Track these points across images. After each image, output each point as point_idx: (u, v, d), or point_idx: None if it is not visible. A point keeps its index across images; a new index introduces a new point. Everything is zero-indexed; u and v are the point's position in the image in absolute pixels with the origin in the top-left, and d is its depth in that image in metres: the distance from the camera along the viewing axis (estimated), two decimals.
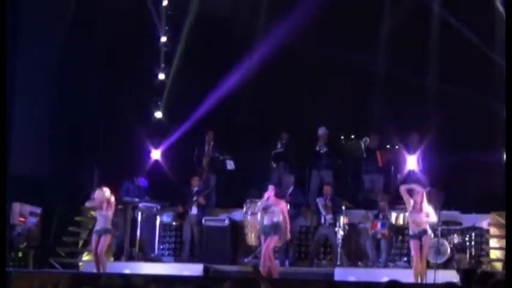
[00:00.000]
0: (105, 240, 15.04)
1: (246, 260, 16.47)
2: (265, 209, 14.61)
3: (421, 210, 14.38)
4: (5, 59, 12.83)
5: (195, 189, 17.51)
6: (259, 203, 14.88)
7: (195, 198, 17.36)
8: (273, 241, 14.56)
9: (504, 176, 15.96)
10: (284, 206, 14.78)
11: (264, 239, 14.68)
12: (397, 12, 18.14)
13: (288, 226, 15.07)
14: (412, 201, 14.34)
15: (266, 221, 14.62)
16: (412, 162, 17.10)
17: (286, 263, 16.67)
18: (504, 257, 15.84)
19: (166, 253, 17.77)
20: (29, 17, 17.86)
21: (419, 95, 17.66)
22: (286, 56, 18.41)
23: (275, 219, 14.54)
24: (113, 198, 15.20)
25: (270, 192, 14.70)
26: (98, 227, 15.13)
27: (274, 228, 14.52)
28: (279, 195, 14.84)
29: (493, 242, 16.34)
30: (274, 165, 17.94)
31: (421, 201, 14.36)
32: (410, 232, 14.49)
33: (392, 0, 18.32)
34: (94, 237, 15.16)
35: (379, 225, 16.01)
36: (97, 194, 15.11)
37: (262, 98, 18.72)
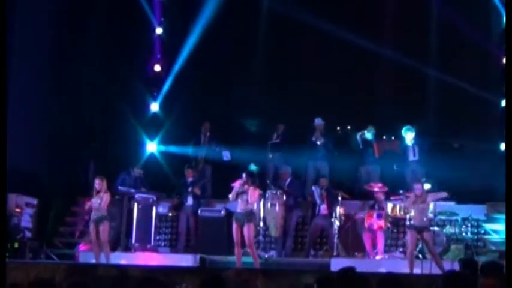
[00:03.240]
0: (104, 228, 15.02)
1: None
2: (239, 196, 14.40)
3: (424, 201, 14.44)
4: (5, 58, 12.80)
5: (190, 180, 17.51)
6: (233, 191, 14.56)
7: (190, 189, 17.37)
8: (251, 230, 14.40)
9: (500, 166, 16.16)
10: (254, 191, 14.50)
11: (236, 226, 14.43)
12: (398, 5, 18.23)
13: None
14: (413, 196, 14.51)
15: (240, 208, 14.42)
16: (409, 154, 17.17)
17: (283, 253, 16.71)
18: (501, 249, 15.99)
19: (163, 244, 17.82)
20: (23, 13, 17.85)
21: (417, 87, 17.74)
22: (284, 47, 18.47)
23: (249, 206, 14.44)
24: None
25: (242, 180, 14.50)
26: (94, 216, 15.12)
27: (248, 215, 14.34)
28: (249, 181, 14.52)
29: (489, 233, 16.41)
30: (271, 156, 17.97)
31: (422, 194, 14.46)
32: (412, 222, 14.52)
33: None
34: (92, 227, 15.15)
35: (375, 215, 16.04)
36: (99, 183, 15.11)
37: (258, 88, 18.78)
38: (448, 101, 17.50)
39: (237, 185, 14.49)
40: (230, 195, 14.61)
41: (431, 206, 15.00)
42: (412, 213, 14.65)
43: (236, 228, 14.42)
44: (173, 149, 18.89)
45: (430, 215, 15.32)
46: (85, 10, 18.98)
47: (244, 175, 14.54)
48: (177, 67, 19.35)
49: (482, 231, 16.45)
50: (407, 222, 14.66)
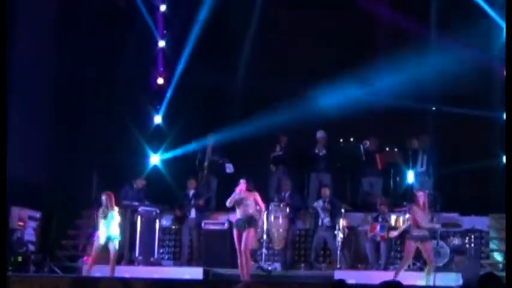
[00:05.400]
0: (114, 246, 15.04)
1: None
2: (238, 203, 14.40)
3: (424, 209, 14.42)
4: (4, 61, 12.82)
5: (192, 192, 17.55)
6: (231, 197, 14.52)
7: (192, 201, 17.40)
8: (250, 236, 14.34)
9: (503, 178, 16.20)
10: (257, 196, 14.52)
11: (237, 233, 14.36)
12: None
13: (263, 215, 15.27)
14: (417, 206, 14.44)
15: (240, 214, 14.37)
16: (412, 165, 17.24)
17: (286, 265, 16.76)
18: (504, 260, 16.00)
19: (166, 257, 17.86)
20: (25, 24, 17.93)
21: (419, 99, 17.77)
22: (287, 60, 18.57)
23: (249, 212, 14.38)
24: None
25: (242, 186, 14.48)
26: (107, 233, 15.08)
27: (248, 221, 14.27)
28: (250, 188, 14.54)
29: (493, 244, 16.53)
30: (274, 169, 18.07)
31: (424, 203, 14.40)
32: (414, 233, 14.46)
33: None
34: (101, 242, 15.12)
35: (378, 227, 16.08)
36: (106, 199, 15.15)
37: (261, 102, 18.79)
38: (450, 114, 17.61)
39: (237, 191, 14.52)
40: (228, 200, 14.56)
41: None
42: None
43: (237, 235, 14.36)
44: (178, 151, 18.91)
45: (437, 226, 15.34)
46: (87, 21, 19.05)
47: (242, 182, 14.54)
48: (179, 80, 19.45)
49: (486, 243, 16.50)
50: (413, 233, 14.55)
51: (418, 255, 14.88)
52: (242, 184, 14.46)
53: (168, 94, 19.59)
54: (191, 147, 18.59)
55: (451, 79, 17.41)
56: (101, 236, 15.03)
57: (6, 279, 13.16)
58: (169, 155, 19.20)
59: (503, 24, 17.37)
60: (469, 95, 17.37)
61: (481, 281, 7.19)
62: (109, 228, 15.03)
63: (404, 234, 15.40)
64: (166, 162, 19.23)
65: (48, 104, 18.70)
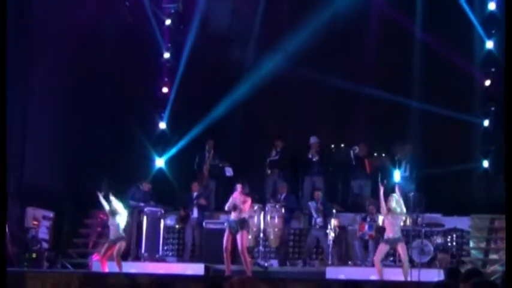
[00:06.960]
0: (121, 246, 15.80)
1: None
2: (234, 207, 15.05)
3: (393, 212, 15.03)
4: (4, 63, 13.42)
5: (195, 194, 18.09)
6: (229, 202, 15.24)
7: (195, 202, 17.96)
8: (245, 237, 15.00)
9: (482, 180, 17.07)
10: (248, 203, 15.18)
11: (228, 233, 15.07)
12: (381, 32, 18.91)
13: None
14: (385, 206, 15.06)
15: (234, 216, 15.02)
16: (398, 169, 17.70)
17: (282, 263, 17.40)
18: (484, 257, 16.85)
19: (170, 254, 18.34)
20: (38, 38, 18.62)
21: (403, 106, 18.36)
22: (283, 72, 19.16)
23: (242, 216, 15.04)
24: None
25: (238, 191, 15.17)
26: (112, 236, 15.85)
27: (241, 223, 14.94)
28: (245, 192, 15.24)
29: (473, 243, 17.12)
30: (269, 172, 18.57)
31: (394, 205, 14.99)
32: (385, 236, 15.11)
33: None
34: (108, 244, 15.86)
35: (366, 227, 16.66)
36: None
37: (259, 110, 19.46)
38: (433, 119, 18.05)
39: (235, 196, 15.19)
40: (226, 205, 15.25)
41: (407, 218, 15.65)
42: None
43: (228, 235, 15.07)
44: (181, 143, 19.46)
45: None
46: (97, 32, 19.54)
47: (238, 186, 15.24)
48: (182, 88, 19.90)
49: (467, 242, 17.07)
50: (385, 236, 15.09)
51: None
52: (238, 189, 15.20)
53: (173, 102, 20.04)
54: (192, 150, 19.17)
55: (433, 87, 18.08)
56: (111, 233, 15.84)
57: (21, 274, 14.05)
58: (172, 152, 19.64)
59: (485, 38, 18.23)
60: (452, 100, 17.79)
61: (465, 275, 7.69)
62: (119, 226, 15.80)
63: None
64: (170, 165, 19.68)
65: (63, 113, 19.17)
